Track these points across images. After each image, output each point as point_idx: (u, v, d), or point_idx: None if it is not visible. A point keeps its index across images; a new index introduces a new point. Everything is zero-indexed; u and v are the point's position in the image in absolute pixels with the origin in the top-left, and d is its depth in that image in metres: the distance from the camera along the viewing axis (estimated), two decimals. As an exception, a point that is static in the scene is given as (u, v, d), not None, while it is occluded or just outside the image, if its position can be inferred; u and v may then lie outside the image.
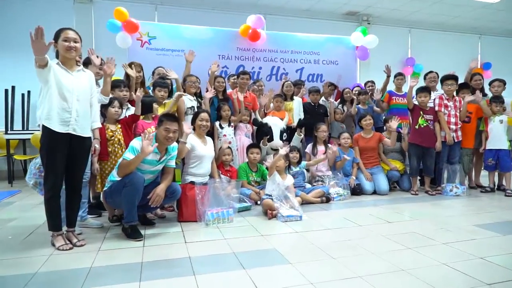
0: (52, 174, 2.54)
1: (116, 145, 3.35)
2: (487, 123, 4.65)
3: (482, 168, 4.93)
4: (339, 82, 6.39)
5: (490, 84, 4.75)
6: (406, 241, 2.73)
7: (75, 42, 2.56)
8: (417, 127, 4.55)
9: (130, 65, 4.03)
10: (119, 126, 3.42)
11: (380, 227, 3.11)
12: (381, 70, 5.70)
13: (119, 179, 2.84)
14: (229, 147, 4.23)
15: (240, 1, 7.34)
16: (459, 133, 4.60)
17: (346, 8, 8.00)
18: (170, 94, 4.13)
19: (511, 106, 4.61)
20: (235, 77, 5.40)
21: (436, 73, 5.16)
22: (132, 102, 3.75)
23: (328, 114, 5.42)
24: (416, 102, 4.66)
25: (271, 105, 5.20)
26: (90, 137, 2.78)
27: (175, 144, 3.20)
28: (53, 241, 2.63)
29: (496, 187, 4.85)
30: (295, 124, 5.18)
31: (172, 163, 3.18)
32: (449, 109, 4.56)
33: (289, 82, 5.34)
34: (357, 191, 4.55)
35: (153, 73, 4.66)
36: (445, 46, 8.99)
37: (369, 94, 5.62)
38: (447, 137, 4.51)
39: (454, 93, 4.73)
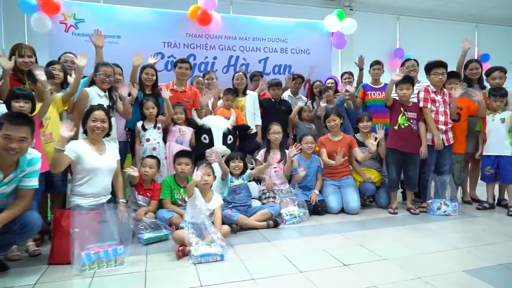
0: None
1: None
2: (485, 122, 3.67)
3: (479, 178, 3.96)
4: (311, 75, 5.41)
5: (487, 74, 3.77)
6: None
7: None
8: (396, 127, 3.58)
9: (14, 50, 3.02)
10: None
11: (329, 276, 2.13)
12: (366, 62, 4.71)
13: None
14: (153, 156, 3.27)
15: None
16: (450, 134, 3.63)
17: (325, -9, 7.04)
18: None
19: None
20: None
21: (415, 60, 4.20)
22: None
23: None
24: (396, 97, 3.68)
25: (219, 102, 4.25)
26: None
27: (36, 154, 2.23)
28: None
29: (496, 202, 3.89)
30: (254, 126, 4.23)
31: (31, 183, 2.21)
32: (437, 104, 3.58)
33: (240, 73, 4.38)
34: (318, 209, 3.58)
35: (59, 58, 3.66)
36: (437, 36, 8.01)
37: (336, 89, 4.61)
38: (435, 140, 3.53)
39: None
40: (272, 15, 5.63)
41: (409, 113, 3.55)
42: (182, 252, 2.45)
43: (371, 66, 4.47)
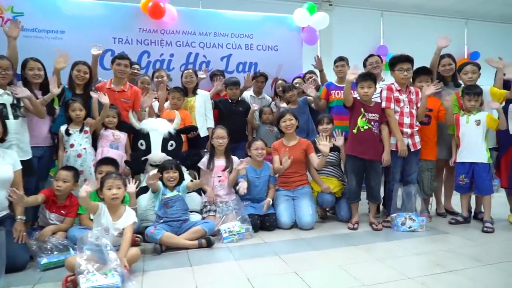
0: None
1: None
2: (459, 124, 3.23)
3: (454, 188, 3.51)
4: (280, 73, 4.99)
5: (459, 69, 3.33)
6: None
7: None
8: (355, 131, 3.14)
9: None
10: None
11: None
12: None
13: None
14: (69, 168, 2.84)
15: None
16: (417, 139, 3.18)
17: (300, -15, 6.60)
18: None
19: (491, 95, 3.19)
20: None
21: (379, 56, 3.78)
22: None
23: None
24: (357, 96, 3.24)
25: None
26: None
27: None
28: None
29: (472, 215, 3.45)
30: (204, 131, 3.82)
31: None
32: (402, 104, 3.14)
33: (189, 71, 3.97)
34: (266, 224, 3.14)
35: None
36: (424, 33, 7.52)
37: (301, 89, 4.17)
38: (399, 145, 3.09)
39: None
40: (247, 10, 5.21)
41: (370, 114, 3.11)
42: (73, 283, 2.02)
43: (334, 63, 4.05)
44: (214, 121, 4.02)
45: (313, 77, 4.44)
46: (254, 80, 4.45)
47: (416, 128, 3.15)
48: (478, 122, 3.12)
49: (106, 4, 4.50)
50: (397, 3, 7.37)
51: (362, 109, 3.12)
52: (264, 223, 3.14)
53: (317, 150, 3.33)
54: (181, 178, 3.03)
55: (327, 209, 3.58)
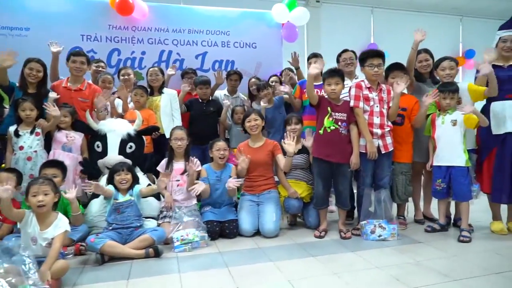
0: None
1: None
2: (434, 125, 3.00)
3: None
4: (258, 71, 4.79)
5: (436, 65, 3.09)
6: None
7: None
8: (321, 132, 2.92)
9: None
10: None
11: None
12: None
13: None
14: (11, 170, 2.67)
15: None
16: (388, 140, 2.95)
17: (286, -19, 6.38)
18: None
19: (469, 93, 2.95)
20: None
21: (353, 51, 3.56)
22: None
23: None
24: (324, 94, 3.03)
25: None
26: None
27: None
28: None
29: (452, 222, 3.21)
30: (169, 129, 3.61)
31: None
32: (372, 103, 2.92)
33: (155, 68, 3.78)
34: (226, 231, 2.93)
35: None
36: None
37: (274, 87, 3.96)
38: (368, 147, 2.87)
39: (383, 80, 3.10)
40: (226, 6, 4.99)
41: (337, 114, 2.89)
42: (-15, 300, 1.83)
43: (308, 59, 3.84)
44: (186, 122, 3.84)
45: (290, 75, 4.24)
46: (228, 78, 4.25)
47: (388, 129, 2.92)
48: (454, 122, 2.88)
49: (74, -1, 4.33)
50: (388, 0, 7.12)
51: (329, 108, 2.89)
52: (224, 230, 2.93)
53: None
54: (134, 180, 2.84)
55: (299, 215, 3.37)
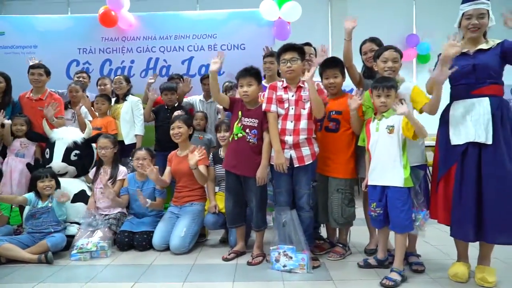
0: None
1: None
2: (369, 133, 2.36)
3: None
4: (247, 74, 4.52)
5: (377, 55, 2.41)
6: None
7: None
8: (230, 139, 2.57)
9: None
10: None
11: None
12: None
13: None
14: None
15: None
16: (306, 151, 2.41)
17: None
18: None
19: (411, 97, 2.25)
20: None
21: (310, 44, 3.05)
22: None
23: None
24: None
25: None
26: None
27: None
28: None
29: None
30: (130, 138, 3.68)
31: None
32: (286, 105, 2.44)
33: (119, 77, 3.88)
34: (135, 243, 2.80)
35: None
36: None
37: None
38: (275, 157, 2.41)
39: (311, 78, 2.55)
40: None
41: (246, 119, 2.50)
42: None
43: (263, 58, 3.45)
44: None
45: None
46: (202, 83, 4.11)
47: (304, 136, 2.39)
48: (390, 129, 2.21)
49: (71, 17, 4.79)
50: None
51: (239, 113, 2.53)
52: (137, 241, 2.81)
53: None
54: (58, 185, 2.93)
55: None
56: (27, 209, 3.03)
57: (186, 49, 4.64)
